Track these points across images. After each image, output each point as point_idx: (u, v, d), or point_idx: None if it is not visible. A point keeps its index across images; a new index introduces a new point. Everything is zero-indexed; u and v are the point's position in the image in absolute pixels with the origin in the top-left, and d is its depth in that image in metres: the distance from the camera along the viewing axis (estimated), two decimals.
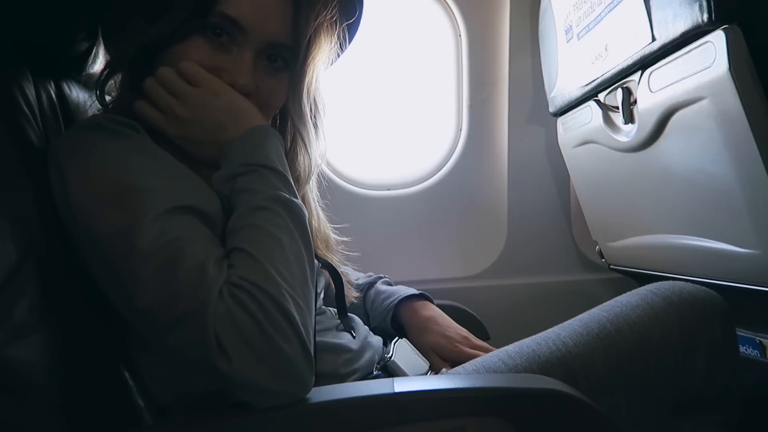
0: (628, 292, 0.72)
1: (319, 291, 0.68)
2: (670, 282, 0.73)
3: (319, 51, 0.63)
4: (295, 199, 0.53)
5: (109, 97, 0.63)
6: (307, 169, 0.68)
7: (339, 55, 0.69)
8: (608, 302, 0.71)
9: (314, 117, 0.67)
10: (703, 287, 0.72)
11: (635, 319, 0.66)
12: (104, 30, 0.64)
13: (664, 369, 0.64)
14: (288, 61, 0.62)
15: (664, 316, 0.66)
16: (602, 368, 0.61)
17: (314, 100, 0.67)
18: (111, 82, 0.61)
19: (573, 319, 0.69)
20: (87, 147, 0.51)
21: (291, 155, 0.67)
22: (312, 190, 0.73)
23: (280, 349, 0.43)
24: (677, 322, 0.66)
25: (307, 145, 0.67)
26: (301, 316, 0.45)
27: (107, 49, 0.64)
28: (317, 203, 0.74)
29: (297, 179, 0.67)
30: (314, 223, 0.72)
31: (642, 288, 0.73)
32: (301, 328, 0.45)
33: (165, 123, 0.56)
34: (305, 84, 0.63)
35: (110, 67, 0.60)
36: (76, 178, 0.49)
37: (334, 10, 0.63)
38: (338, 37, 0.65)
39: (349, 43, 0.71)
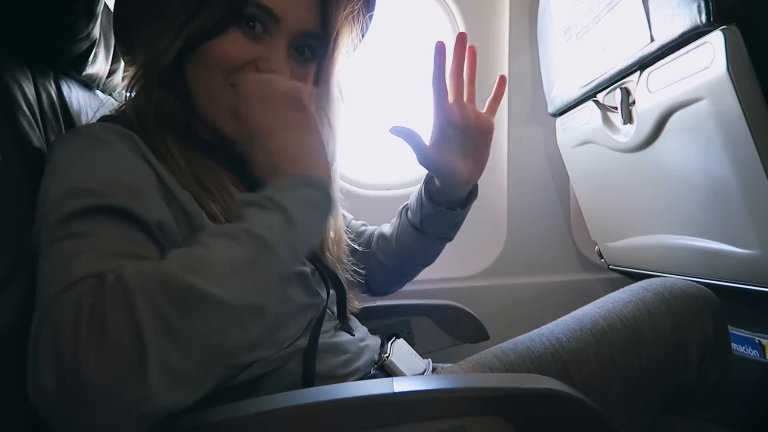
0: (621, 289, 0.73)
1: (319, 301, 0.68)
2: (662, 278, 0.74)
3: (344, 43, 0.65)
4: (286, 255, 0.44)
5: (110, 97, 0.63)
6: (332, 159, 0.69)
7: (355, 47, 0.71)
8: (601, 299, 0.72)
9: (338, 109, 0.69)
10: (695, 283, 0.73)
11: (627, 315, 0.66)
12: (132, 30, 0.64)
13: (656, 363, 0.64)
14: (315, 51, 0.64)
15: (656, 311, 0.67)
16: (595, 363, 0.62)
17: (339, 91, 0.69)
18: (112, 78, 0.61)
19: (566, 315, 0.70)
20: (65, 150, 0.51)
21: None
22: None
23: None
24: (669, 317, 0.67)
25: (335, 135, 0.69)
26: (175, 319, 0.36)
27: (137, 50, 0.63)
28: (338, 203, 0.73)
29: None
30: (328, 225, 0.71)
31: (634, 285, 0.74)
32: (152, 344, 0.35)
33: (236, 127, 0.57)
34: (335, 74, 0.66)
35: (147, 66, 0.59)
36: (45, 178, 0.49)
37: (359, 3, 0.65)
38: (361, 28, 0.68)
39: (364, 35, 0.72)
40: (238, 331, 0.39)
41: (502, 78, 0.77)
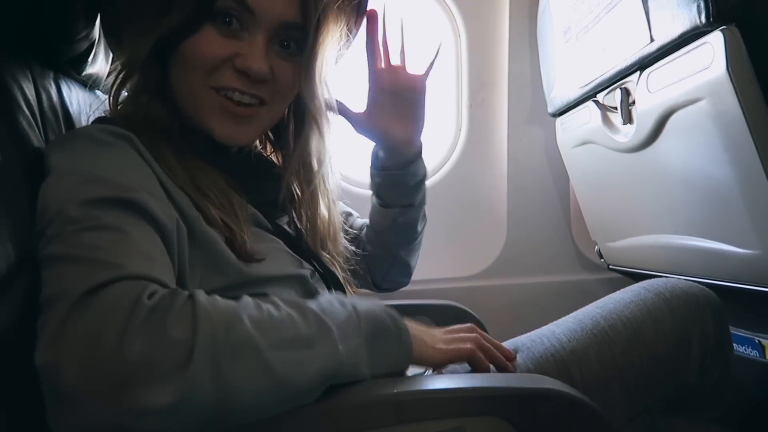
0: (622, 290, 0.73)
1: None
2: (663, 279, 0.74)
3: (329, 33, 0.63)
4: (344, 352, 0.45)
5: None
6: (316, 156, 0.68)
7: (348, 45, 0.70)
8: (602, 299, 0.72)
9: (327, 102, 0.66)
10: (696, 284, 0.73)
11: (628, 315, 0.66)
12: (116, 31, 0.63)
13: (657, 363, 0.64)
14: (301, 44, 0.61)
15: (657, 311, 0.67)
16: (596, 363, 0.62)
17: (326, 84, 0.66)
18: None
19: (567, 316, 0.70)
20: (69, 150, 0.51)
21: (302, 141, 0.67)
22: (326, 181, 0.71)
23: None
24: (670, 317, 0.67)
25: (322, 130, 0.66)
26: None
27: (120, 52, 0.63)
28: (330, 198, 0.72)
29: (307, 167, 0.68)
30: (324, 222, 0.70)
31: (635, 285, 0.74)
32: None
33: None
34: (317, 66, 0.62)
35: (125, 69, 0.59)
36: (50, 179, 0.48)
37: None
38: (347, 23, 0.67)
39: (356, 31, 0.72)
40: (264, 396, 0.40)
41: (439, 45, 0.80)
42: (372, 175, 0.81)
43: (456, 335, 0.58)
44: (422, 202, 0.84)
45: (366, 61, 0.74)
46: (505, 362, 0.59)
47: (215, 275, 0.53)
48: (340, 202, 0.92)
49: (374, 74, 0.74)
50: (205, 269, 0.52)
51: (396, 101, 0.75)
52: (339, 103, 0.73)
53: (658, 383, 0.65)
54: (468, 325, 0.61)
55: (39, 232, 0.45)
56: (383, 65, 0.74)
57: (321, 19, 0.61)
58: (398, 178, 0.79)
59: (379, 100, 0.75)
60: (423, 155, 0.80)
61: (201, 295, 0.41)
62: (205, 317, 0.38)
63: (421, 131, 0.78)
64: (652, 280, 0.74)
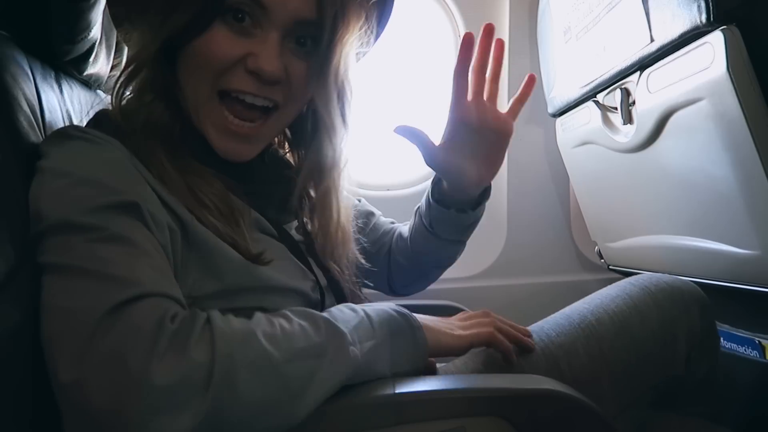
0: (609, 285, 0.74)
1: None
2: (648, 274, 0.75)
3: (348, 31, 0.58)
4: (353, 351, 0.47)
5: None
6: (328, 159, 0.63)
7: (372, 43, 0.66)
8: (590, 295, 0.72)
9: (342, 104, 0.62)
10: (680, 278, 0.74)
11: (615, 309, 0.67)
12: (125, 24, 0.61)
13: (645, 356, 0.65)
14: (318, 42, 0.57)
15: (643, 305, 0.67)
16: (585, 356, 0.62)
17: (342, 85, 0.62)
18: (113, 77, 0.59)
19: (556, 313, 0.70)
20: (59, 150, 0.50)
21: (313, 144, 0.64)
22: (339, 186, 0.66)
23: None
24: (656, 311, 0.67)
25: (331, 134, 0.62)
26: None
27: (129, 45, 0.61)
28: (341, 203, 0.67)
29: (318, 170, 0.64)
30: (336, 229, 0.66)
31: (622, 281, 0.74)
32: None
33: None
34: (332, 66, 0.58)
35: (133, 66, 0.56)
36: (46, 176, 0.48)
37: None
38: (368, 20, 0.62)
39: (381, 30, 0.68)
40: (281, 410, 0.42)
41: (531, 77, 0.71)
42: (429, 206, 0.76)
43: (473, 321, 0.59)
44: (468, 236, 0.82)
45: (452, 90, 0.67)
46: (525, 339, 0.60)
47: (209, 279, 0.52)
48: (363, 200, 0.91)
49: (460, 107, 0.67)
50: (199, 272, 0.51)
51: (477, 140, 0.68)
52: (416, 131, 0.69)
53: (647, 376, 0.66)
54: (482, 310, 0.62)
55: (38, 235, 0.45)
56: (471, 98, 0.67)
57: (339, 16, 0.57)
58: (456, 219, 0.75)
59: (460, 136, 0.68)
60: (488, 196, 0.76)
61: (217, 316, 0.42)
62: (222, 338, 0.40)
63: (493, 175, 0.73)
64: (639, 275, 0.75)
